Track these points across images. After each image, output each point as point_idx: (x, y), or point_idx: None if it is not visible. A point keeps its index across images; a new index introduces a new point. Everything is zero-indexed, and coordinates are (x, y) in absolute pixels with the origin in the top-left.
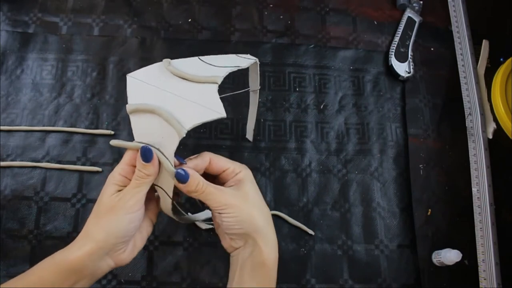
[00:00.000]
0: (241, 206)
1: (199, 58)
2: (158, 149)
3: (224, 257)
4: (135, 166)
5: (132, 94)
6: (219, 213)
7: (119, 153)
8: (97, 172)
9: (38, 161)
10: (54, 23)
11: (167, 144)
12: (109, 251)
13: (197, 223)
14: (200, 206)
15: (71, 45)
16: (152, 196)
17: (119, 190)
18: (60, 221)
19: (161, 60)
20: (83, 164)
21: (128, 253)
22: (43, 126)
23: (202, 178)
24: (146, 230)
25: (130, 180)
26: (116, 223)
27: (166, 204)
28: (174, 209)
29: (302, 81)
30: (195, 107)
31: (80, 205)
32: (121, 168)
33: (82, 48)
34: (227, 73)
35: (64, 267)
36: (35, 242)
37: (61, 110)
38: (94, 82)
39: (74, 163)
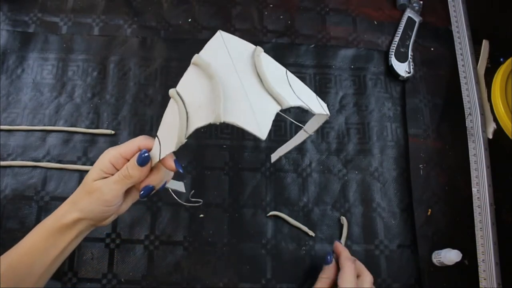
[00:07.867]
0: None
1: (287, 70)
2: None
3: (224, 257)
4: (127, 160)
5: (209, 49)
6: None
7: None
8: None
9: (39, 161)
10: (54, 23)
11: (200, 115)
12: (92, 221)
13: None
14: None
15: (72, 44)
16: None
17: (104, 177)
18: None
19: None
20: (84, 164)
21: (111, 219)
22: (44, 125)
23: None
24: (132, 198)
25: (117, 169)
26: (94, 206)
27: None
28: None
29: (302, 81)
30: (246, 109)
31: None
32: (112, 155)
33: (82, 47)
34: (296, 105)
35: (54, 232)
36: None
37: (61, 109)
38: (95, 81)
39: (75, 163)
